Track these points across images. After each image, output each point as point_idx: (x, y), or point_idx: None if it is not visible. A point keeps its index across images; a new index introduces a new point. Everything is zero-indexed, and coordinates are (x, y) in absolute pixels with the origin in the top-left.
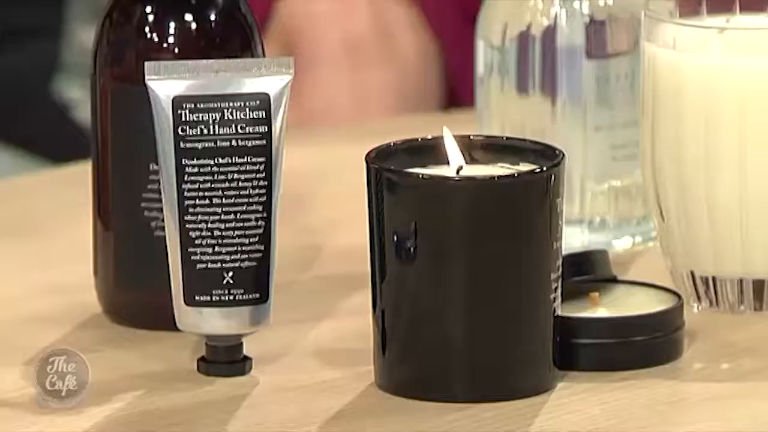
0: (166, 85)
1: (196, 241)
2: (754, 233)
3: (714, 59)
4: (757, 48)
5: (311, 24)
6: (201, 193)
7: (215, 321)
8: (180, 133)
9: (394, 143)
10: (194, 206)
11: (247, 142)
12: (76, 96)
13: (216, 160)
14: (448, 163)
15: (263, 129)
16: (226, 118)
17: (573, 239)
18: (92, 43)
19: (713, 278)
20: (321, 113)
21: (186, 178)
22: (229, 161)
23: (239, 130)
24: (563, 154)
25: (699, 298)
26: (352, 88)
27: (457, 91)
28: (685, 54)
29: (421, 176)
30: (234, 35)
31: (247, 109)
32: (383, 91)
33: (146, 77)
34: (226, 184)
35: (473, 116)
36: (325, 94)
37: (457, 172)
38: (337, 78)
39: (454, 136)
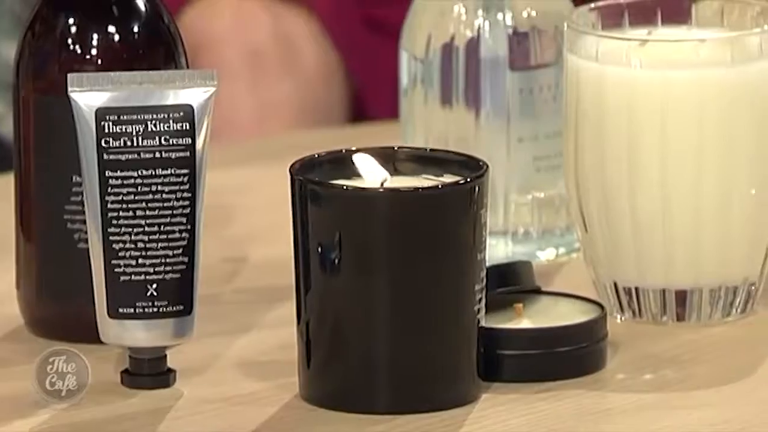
0: (89, 96)
1: (120, 253)
2: (676, 244)
3: (636, 71)
4: (678, 60)
5: (211, 38)
6: (124, 205)
7: (139, 333)
8: (103, 144)
9: (318, 155)
10: (118, 218)
11: (170, 153)
12: None
13: (140, 171)
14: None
15: (187, 141)
16: (149, 129)
17: (497, 250)
18: (14, 55)
19: (636, 289)
20: (223, 127)
21: (109, 190)
22: (153, 173)
23: (163, 142)
24: (487, 166)
25: (622, 308)
26: (254, 102)
27: (364, 103)
28: (608, 66)
29: (344, 188)
30: (157, 47)
31: (171, 121)
32: (286, 104)
33: (69, 89)
34: (150, 196)
35: (383, 128)
36: (228, 108)
37: (381, 184)
38: (239, 92)
39: (370, 153)
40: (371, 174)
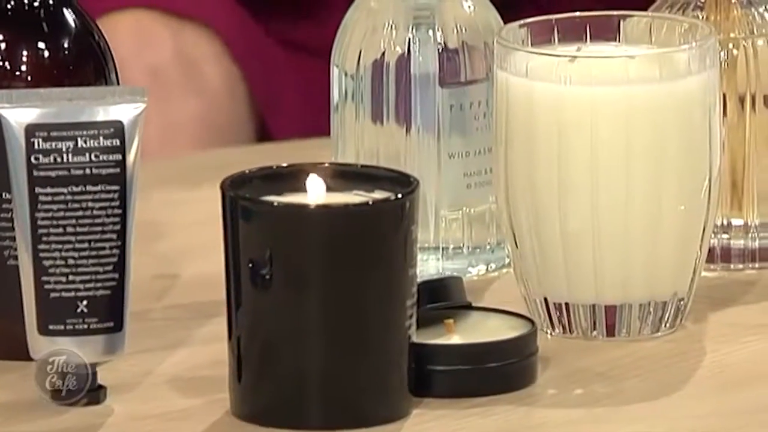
0: (19, 113)
1: (50, 270)
2: (606, 260)
3: (565, 87)
4: (607, 76)
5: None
6: (54, 222)
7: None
8: (33, 161)
9: (249, 171)
10: (48, 235)
11: (101, 170)
12: None
13: (70, 188)
14: (303, 191)
15: (117, 157)
16: (79, 146)
17: (428, 266)
18: None
19: (566, 304)
20: None
21: (39, 206)
22: (83, 189)
23: (93, 159)
24: (417, 182)
25: (552, 324)
26: (157, 122)
27: (268, 122)
28: (537, 82)
29: (275, 204)
30: (87, 63)
31: (101, 137)
32: (189, 122)
33: None
34: (80, 213)
35: (324, 143)
36: None
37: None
38: None
39: (317, 169)
40: (313, 191)
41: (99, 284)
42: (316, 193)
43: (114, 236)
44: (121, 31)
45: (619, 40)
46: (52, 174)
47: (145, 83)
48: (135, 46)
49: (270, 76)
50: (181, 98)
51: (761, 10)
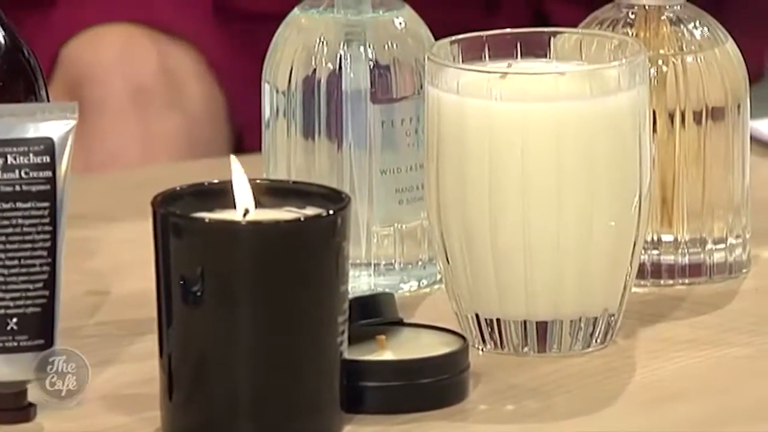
0: None
1: None
2: (537, 276)
3: (496, 103)
4: (537, 92)
5: (96, 72)
6: None
7: None
8: None
9: (180, 187)
10: None
11: (31, 187)
12: None
13: None
14: (234, 207)
15: (47, 174)
16: (9, 163)
17: (359, 282)
18: None
19: (497, 320)
20: (108, 161)
21: None
22: (13, 206)
23: (23, 175)
24: (349, 198)
25: (484, 340)
26: (139, 136)
27: (243, 138)
28: (468, 98)
29: (206, 221)
30: (17, 80)
31: (31, 154)
32: (171, 139)
33: None
34: (10, 230)
35: (255, 160)
36: (112, 142)
37: (244, 216)
38: (124, 126)
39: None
40: (242, 200)
41: (29, 301)
42: (245, 209)
43: (44, 253)
44: (107, 44)
45: (549, 57)
46: None
47: (129, 97)
48: (120, 60)
49: (250, 93)
50: (163, 115)
51: (690, 26)
